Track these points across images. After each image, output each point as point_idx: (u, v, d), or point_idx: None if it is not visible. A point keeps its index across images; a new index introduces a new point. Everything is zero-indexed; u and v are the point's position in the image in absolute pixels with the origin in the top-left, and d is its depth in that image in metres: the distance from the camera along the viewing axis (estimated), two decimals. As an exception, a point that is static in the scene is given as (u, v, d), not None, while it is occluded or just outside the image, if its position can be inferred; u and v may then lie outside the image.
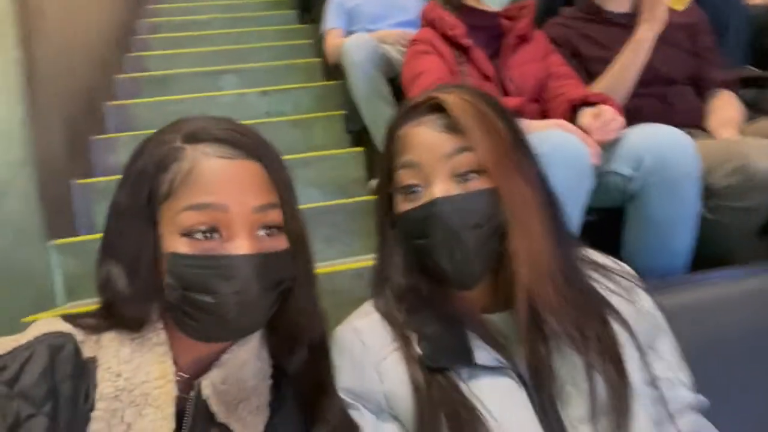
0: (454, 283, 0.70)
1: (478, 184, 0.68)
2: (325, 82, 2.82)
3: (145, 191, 0.60)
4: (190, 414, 0.61)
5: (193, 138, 0.62)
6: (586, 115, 1.20)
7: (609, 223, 1.21)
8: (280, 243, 0.63)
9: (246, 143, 0.63)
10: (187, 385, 0.64)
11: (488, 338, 0.69)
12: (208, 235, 0.59)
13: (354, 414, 0.68)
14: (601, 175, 1.14)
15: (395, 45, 2.03)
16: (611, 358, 0.67)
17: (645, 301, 0.77)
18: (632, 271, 0.82)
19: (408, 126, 0.72)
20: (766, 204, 1.10)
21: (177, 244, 0.59)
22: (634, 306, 0.75)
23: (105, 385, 0.57)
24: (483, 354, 0.67)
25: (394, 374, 0.68)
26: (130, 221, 0.61)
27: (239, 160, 0.61)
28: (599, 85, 1.46)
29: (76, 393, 0.56)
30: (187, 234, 0.59)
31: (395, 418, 0.68)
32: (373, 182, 1.52)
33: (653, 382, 0.71)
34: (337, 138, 2.36)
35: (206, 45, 3.27)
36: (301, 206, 0.67)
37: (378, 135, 1.90)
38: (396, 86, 1.98)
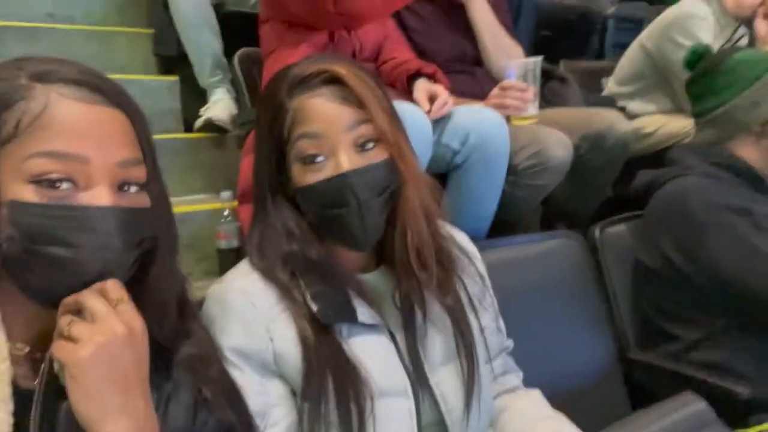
0: (359, 245, 0.76)
1: (377, 153, 0.74)
2: (125, -9, 2.45)
3: None
4: (40, 391, 0.55)
5: (45, 77, 0.54)
6: (421, 91, 1.31)
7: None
8: (142, 200, 0.60)
9: (106, 89, 0.57)
10: (38, 361, 0.57)
11: (366, 296, 0.76)
12: (58, 184, 0.53)
13: (236, 374, 0.68)
14: (433, 145, 1.27)
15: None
16: (461, 311, 0.81)
17: (479, 265, 0.93)
18: (468, 239, 0.96)
19: (303, 97, 0.73)
20: (552, 184, 1.36)
21: (21, 192, 0.52)
22: (472, 269, 0.89)
23: None
24: (362, 311, 0.74)
25: (285, 334, 0.71)
26: None
27: (100, 106, 0.56)
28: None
29: None
30: (36, 182, 0.52)
31: (280, 375, 0.71)
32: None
33: (483, 331, 0.87)
34: (143, 61, 2.11)
35: None
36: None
37: (202, 66, 1.76)
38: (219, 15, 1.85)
